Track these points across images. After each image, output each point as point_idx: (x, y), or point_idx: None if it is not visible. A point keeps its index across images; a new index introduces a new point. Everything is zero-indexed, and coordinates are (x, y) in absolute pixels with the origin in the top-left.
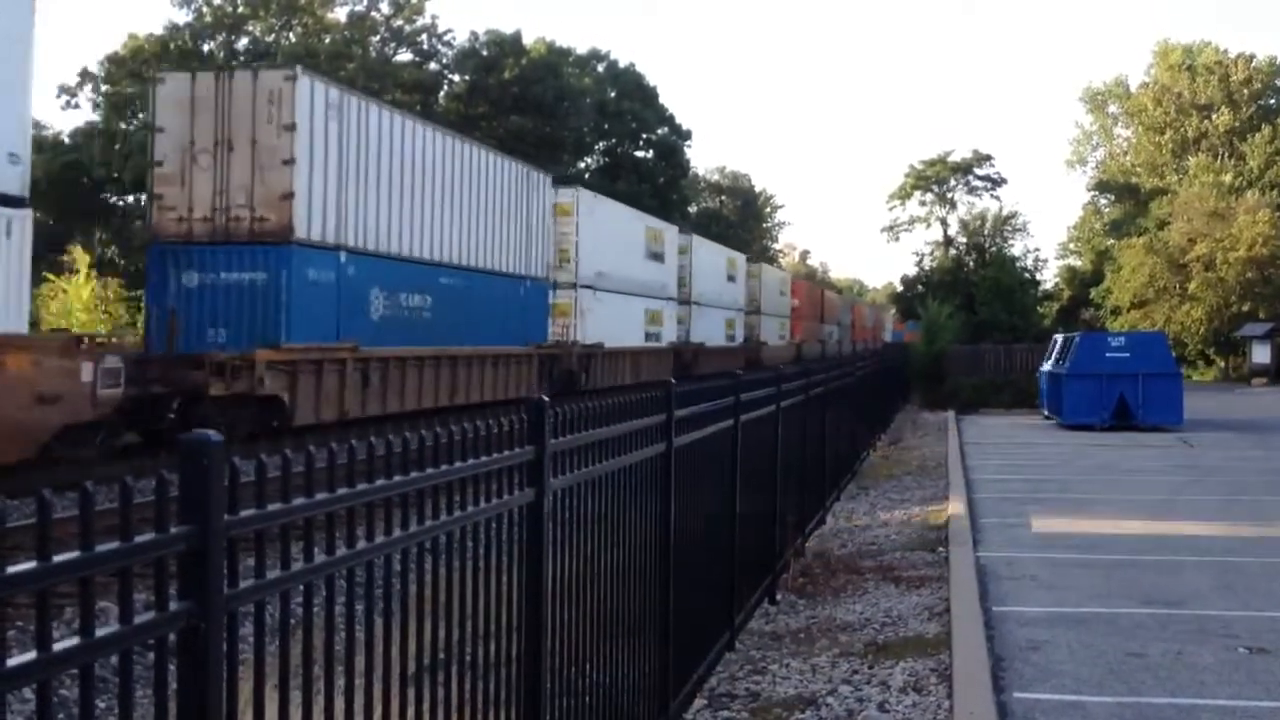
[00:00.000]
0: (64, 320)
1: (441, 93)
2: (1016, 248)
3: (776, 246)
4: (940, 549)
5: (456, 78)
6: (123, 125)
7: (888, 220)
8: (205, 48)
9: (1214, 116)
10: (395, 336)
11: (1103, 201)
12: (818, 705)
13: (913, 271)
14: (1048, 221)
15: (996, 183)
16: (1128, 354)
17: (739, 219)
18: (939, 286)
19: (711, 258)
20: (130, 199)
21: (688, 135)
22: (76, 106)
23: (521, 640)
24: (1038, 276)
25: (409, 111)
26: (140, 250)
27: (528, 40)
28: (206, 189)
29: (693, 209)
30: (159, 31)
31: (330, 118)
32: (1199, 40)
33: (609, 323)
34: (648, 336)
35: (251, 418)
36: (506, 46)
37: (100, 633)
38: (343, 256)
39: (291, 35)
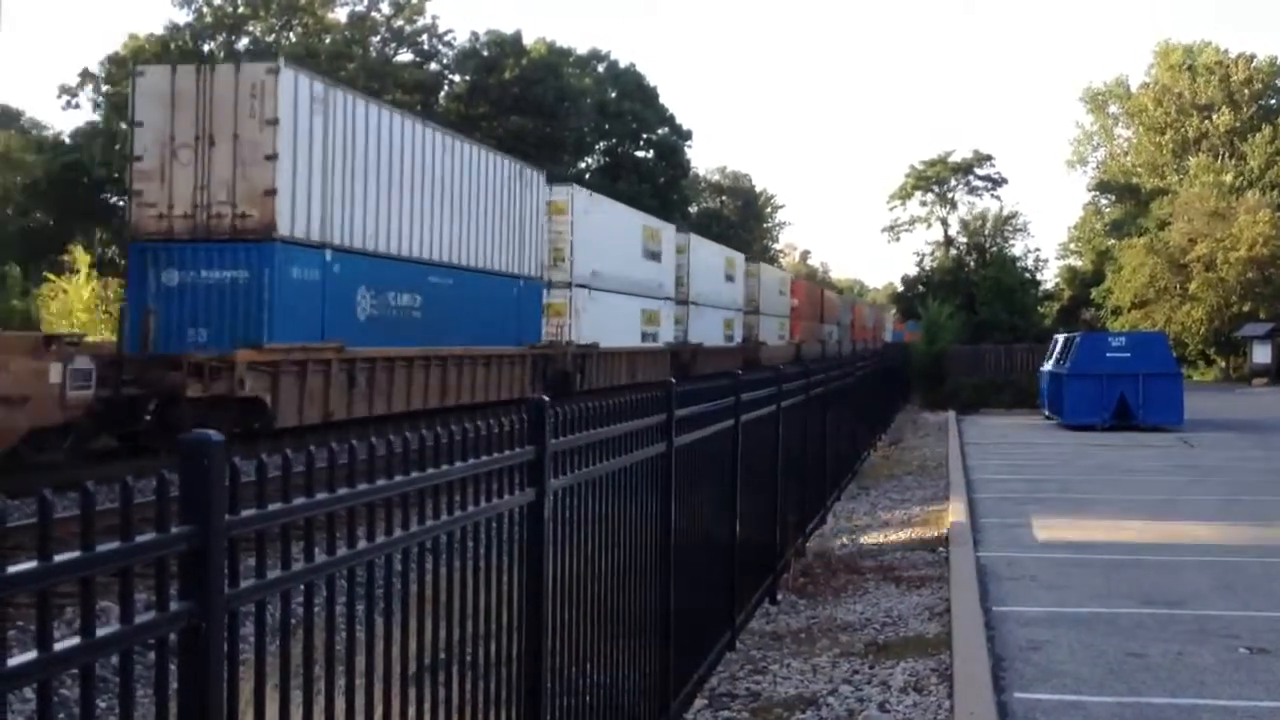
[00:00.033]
0: (64, 320)
1: (442, 93)
2: (1017, 248)
3: (777, 247)
4: (941, 549)
5: (457, 78)
6: (123, 125)
7: (888, 220)
8: (206, 48)
9: (1214, 116)
10: (383, 337)
11: (1103, 201)
12: (818, 705)
13: (913, 271)
14: (1048, 221)
15: (997, 183)
16: (1128, 354)
17: (739, 219)
18: (939, 286)
19: (710, 257)
20: None
21: (688, 135)
22: (77, 106)
23: (522, 640)
24: (1038, 276)
25: (409, 111)
26: None
27: (528, 40)
28: (187, 185)
29: (693, 209)
30: (159, 31)
31: (315, 112)
32: (1199, 40)
33: (605, 323)
34: (644, 337)
35: (232, 420)
36: (507, 47)
37: (101, 632)
38: (328, 254)
39: (292, 35)
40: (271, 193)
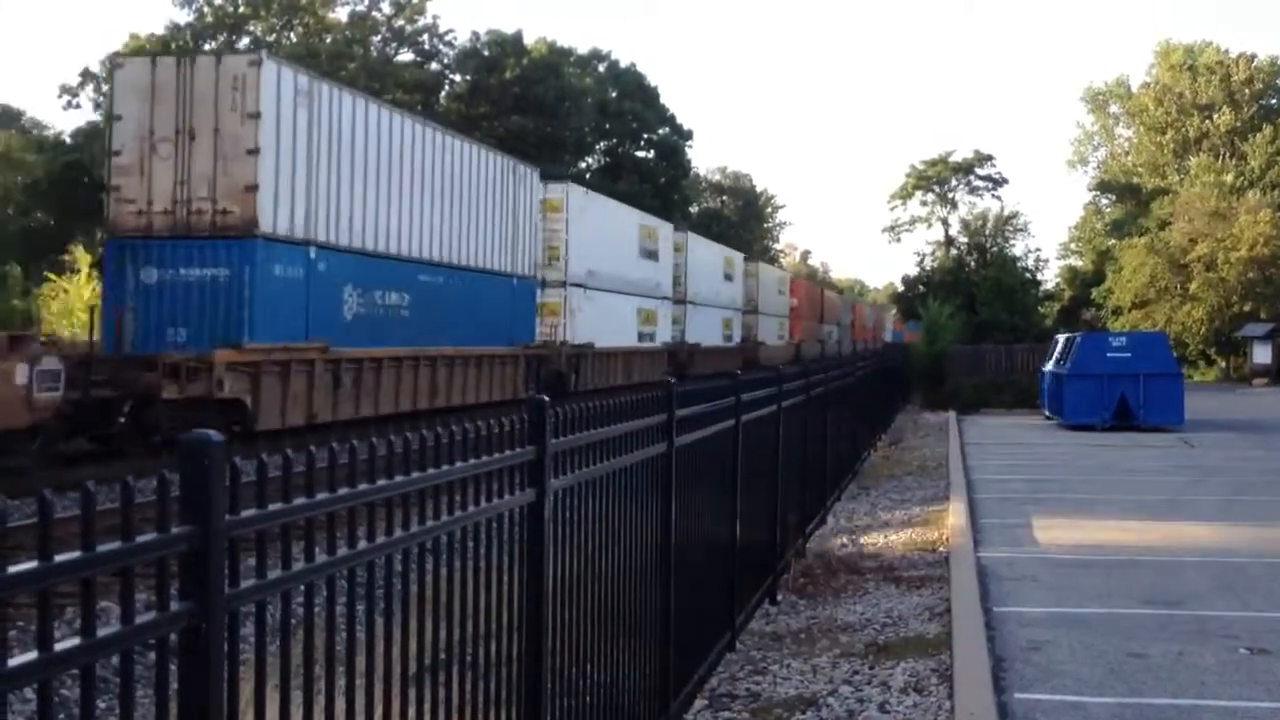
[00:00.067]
0: (65, 320)
1: (443, 93)
2: (1018, 248)
3: (777, 247)
4: (941, 549)
5: (458, 78)
6: None
7: (889, 220)
8: (206, 47)
9: (1215, 116)
10: (370, 336)
11: (1104, 201)
12: (818, 706)
13: (914, 271)
14: (1049, 221)
15: (998, 183)
16: (1129, 354)
17: (740, 219)
18: (940, 286)
19: (708, 256)
20: None
21: (689, 135)
22: (78, 106)
23: (522, 640)
24: (1039, 277)
25: (407, 110)
26: None
27: (529, 40)
28: (167, 180)
29: (694, 209)
30: (160, 31)
31: (299, 105)
32: (1200, 40)
33: (600, 322)
34: (641, 337)
35: (210, 422)
36: (508, 46)
37: (101, 633)
38: (313, 252)
39: (292, 35)
40: (253, 188)
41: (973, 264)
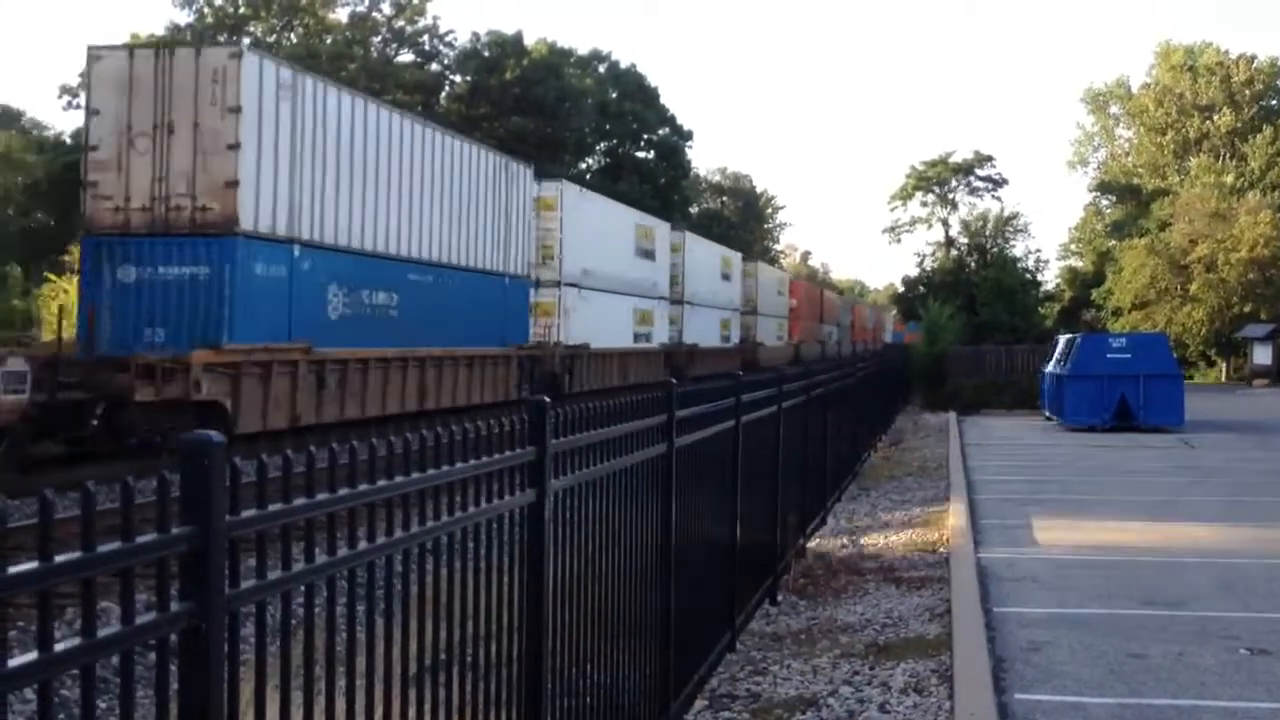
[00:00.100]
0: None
1: (443, 93)
2: (1018, 249)
3: (778, 247)
4: (941, 550)
5: (458, 78)
6: None
7: (889, 221)
8: None
9: (1215, 117)
10: (356, 336)
11: (1104, 202)
12: (819, 706)
13: (914, 272)
14: (1049, 222)
15: (998, 183)
16: (1129, 355)
17: (740, 220)
18: (940, 287)
19: (706, 256)
20: None
21: (689, 136)
22: (78, 107)
23: (523, 641)
24: (1039, 277)
25: (405, 110)
26: None
27: (529, 41)
28: (145, 176)
29: (694, 210)
30: (160, 32)
31: (282, 99)
32: (1200, 41)
33: (595, 322)
34: (637, 337)
35: (187, 425)
36: (508, 47)
37: (102, 633)
38: (296, 250)
39: (293, 36)
40: (233, 184)
41: (973, 265)
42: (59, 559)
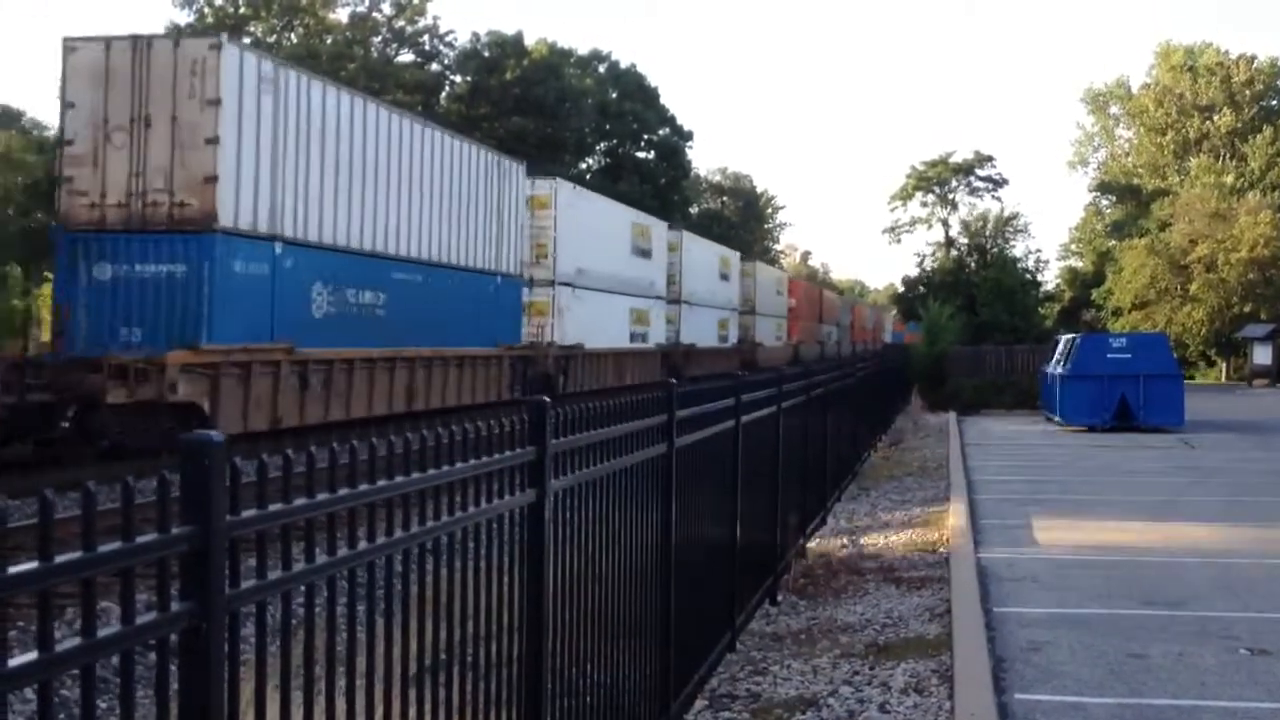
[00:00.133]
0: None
1: (443, 94)
2: (1018, 249)
3: (778, 247)
4: (941, 550)
5: (458, 79)
6: None
7: (889, 221)
8: None
9: (1215, 117)
10: (342, 336)
11: (1104, 202)
12: (819, 706)
13: (914, 272)
14: (1049, 222)
15: (998, 184)
16: (1129, 355)
17: (740, 220)
18: (940, 287)
19: (703, 255)
20: None
21: (689, 136)
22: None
23: (523, 641)
24: (1039, 277)
25: (410, 111)
26: None
27: (529, 41)
28: (121, 171)
29: (694, 210)
30: (160, 32)
31: (263, 92)
32: (1200, 41)
33: (590, 322)
34: (633, 337)
35: (164, 428)
36: (508, 47)
37: (102, 633)
38: (278, 248)
39: (293, 36)
40: (212, 179)
41: (973, 265)
42: (59, 559)
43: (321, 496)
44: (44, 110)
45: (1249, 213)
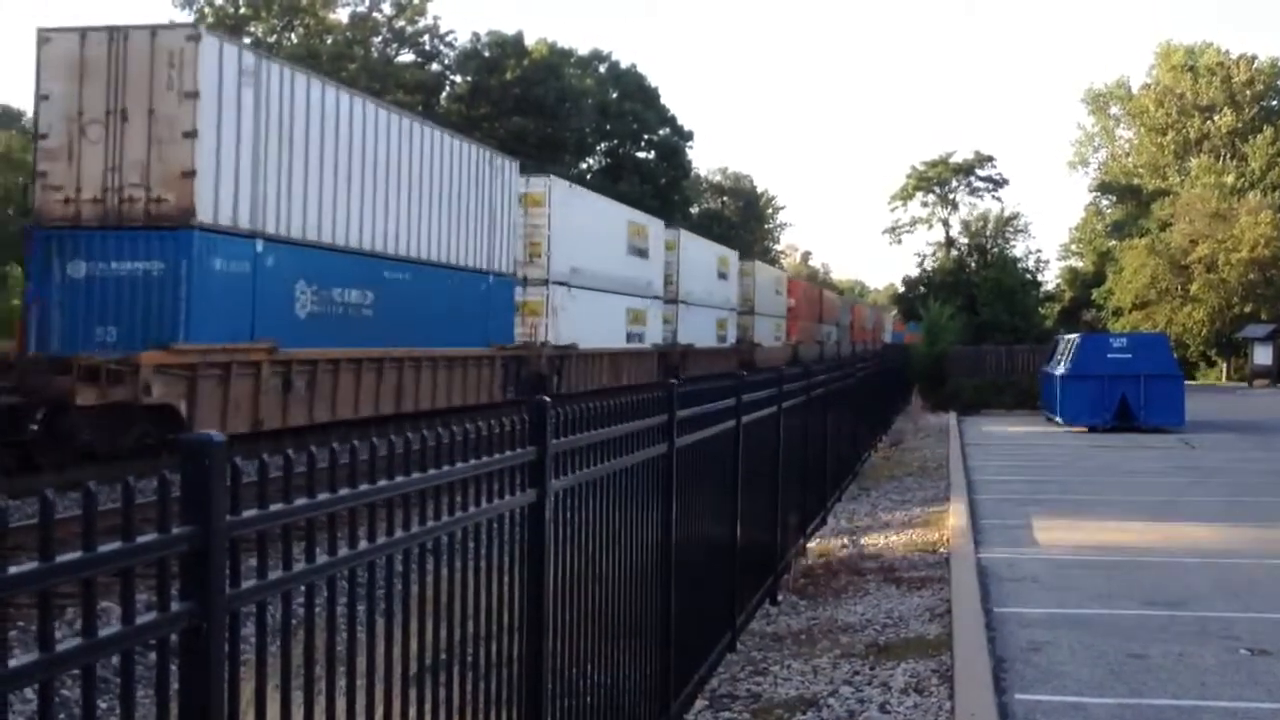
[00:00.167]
0: None
1: (443, 94)
2: (1018, 249)
3: (778, 247)
4: (941, 550)
5: (458, 79)
6: None
7: (889, 221)
8: None
9: (1216, 118)
10: (327, 336)
11: (1104, 203)
12: (819, 706)
13: (914, 272)
14: (1049, 223)
15: (998, 184)
16: (1129, 355)
17: (740, 220)
18: (940, 287)
19: (701, 254)
20: None
21: (689, 136)
22: None
23: (523, 641)
24: (1039, 278)
25: (408, 110)
26: None
27: (529, 41)
28: (97, 166)
29: (695, 210)
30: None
31: (244, 85)
32: (1201, 41)
33: (585, 322)
34: (630, 337)
35: (138, 431)
36: (508, 47)
37: (102, 633)
38: (259, 245)
39: (293, 36)
40: (190, 174)
41: (973, 265)
42: (59, 559)
43: (322, 496)
44: None
45: (1249, 213)
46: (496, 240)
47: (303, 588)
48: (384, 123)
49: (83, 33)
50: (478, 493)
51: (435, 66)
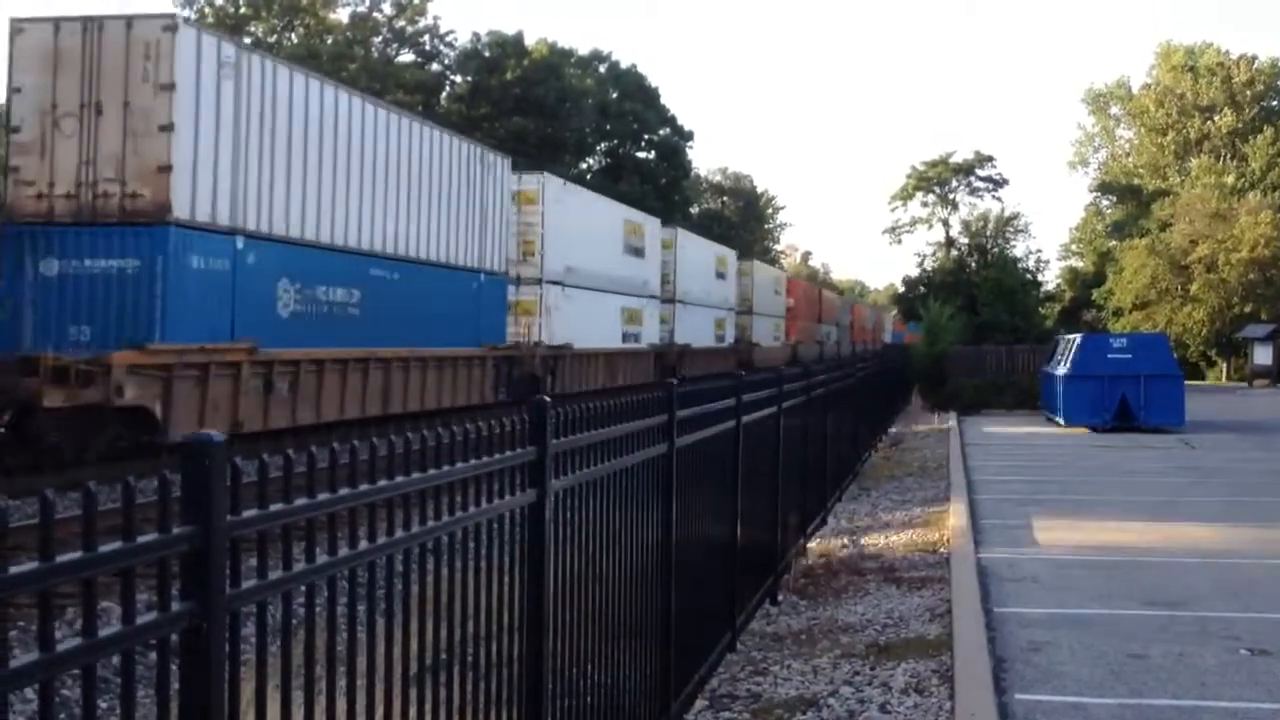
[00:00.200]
0: None
1: (444, 94)
2: (1018, 249)
3: (778, 247)
4: (941, 550)
5: (459, 79)
6: None
7: (890, 221)
8: None
9: (1216, 118)
10: (311, 336)
11: (1105, 203)
12: (819, 706)
13: (914, 272)
14: (1050, 223)
15: (998, 184)
16: (1129, 355)
17: (741, 220)
18: (941, 287)
19: (699, 254)
20: None
21: (689, 136)
22: None
23: (523, 641)
24: (1039, 278)
25: (408, 110)
26: None
27: (530, 41)
28: (71, 160)
29: (695, 210)
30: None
31: (223, 77)
32: (1201, 41)
33: (580, 322)
34: (625, 337)
35: (110, 433)
36: (508, 47)
37: (102, 633)
38: (240, 242)
39: (293, 36)
40: (166, 169)
41: (973, 265)
42: (60, 559)
43: (322, 496)
44: None
45: (1249, 213)
46: (488, 238)
47: (303, 588)
48: (372, 118)
49: (56, 23)
50: (478, 493)
51: (435, 66)
